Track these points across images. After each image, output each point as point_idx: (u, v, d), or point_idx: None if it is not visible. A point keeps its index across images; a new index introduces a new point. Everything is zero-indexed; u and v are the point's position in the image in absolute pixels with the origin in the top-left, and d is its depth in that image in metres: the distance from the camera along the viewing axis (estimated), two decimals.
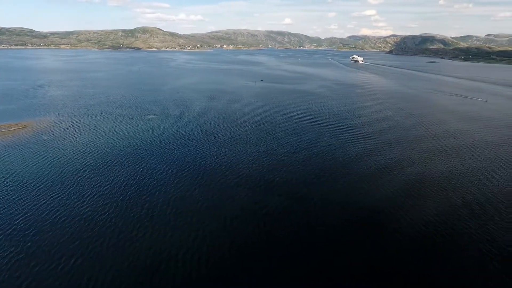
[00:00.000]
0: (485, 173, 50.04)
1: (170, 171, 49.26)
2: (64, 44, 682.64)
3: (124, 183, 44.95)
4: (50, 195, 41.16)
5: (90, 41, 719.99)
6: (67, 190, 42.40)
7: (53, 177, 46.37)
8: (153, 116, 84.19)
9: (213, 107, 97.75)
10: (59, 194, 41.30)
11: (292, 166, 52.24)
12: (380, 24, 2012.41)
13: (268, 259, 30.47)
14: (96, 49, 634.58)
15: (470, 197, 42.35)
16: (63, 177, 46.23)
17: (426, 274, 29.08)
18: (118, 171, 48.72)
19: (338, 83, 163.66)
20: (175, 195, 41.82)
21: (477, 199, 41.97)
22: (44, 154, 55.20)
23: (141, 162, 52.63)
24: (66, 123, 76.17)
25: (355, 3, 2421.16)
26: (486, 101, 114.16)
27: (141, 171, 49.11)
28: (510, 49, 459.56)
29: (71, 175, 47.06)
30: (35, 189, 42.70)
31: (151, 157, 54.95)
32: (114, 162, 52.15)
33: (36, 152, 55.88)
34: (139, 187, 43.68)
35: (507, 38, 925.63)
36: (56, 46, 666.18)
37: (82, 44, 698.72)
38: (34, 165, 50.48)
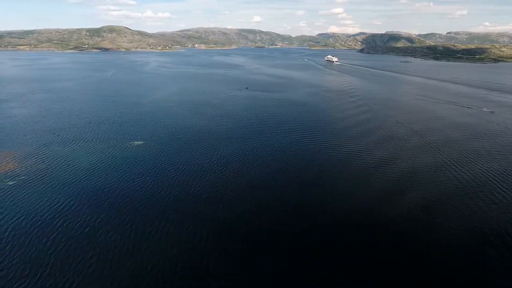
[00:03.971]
0: None
1: (169, 230, 40.22)
2: (23, 45, 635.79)
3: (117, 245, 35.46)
4: (22, 277, 31.05)
5: (52, 41, 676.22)
6: (47, 266, 32.42)
7: (26, 249, 35.91)
8: (139, 142, 73.59)
9: (204, 126, 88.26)
10: (36, 275, 31.29)
11: (295, 191, 46.16)
12: (348, 22, 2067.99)
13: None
14: (60, 51, 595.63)
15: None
16: (38, 248, 35.89)
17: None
18: (109, 230, 39.00)
19: (325, 90, 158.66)
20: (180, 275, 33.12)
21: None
22: (12, 210, 43.96)
23: (134, 215, 43.07)
24: (33, 157, 63.87)
25: (322, 1, 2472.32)
26: (493, 112, 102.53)
27: (137, 231, 39.68)
28: (472, 47, 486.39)
29: (50, 242, 36.78)
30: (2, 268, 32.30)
31: (145, 207, 45.41)
32: (103, 216, 42.15)
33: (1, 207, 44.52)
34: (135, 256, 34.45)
35: (466, 36, 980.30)
36: (14, 47, 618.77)
37: (44, 44, 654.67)
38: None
